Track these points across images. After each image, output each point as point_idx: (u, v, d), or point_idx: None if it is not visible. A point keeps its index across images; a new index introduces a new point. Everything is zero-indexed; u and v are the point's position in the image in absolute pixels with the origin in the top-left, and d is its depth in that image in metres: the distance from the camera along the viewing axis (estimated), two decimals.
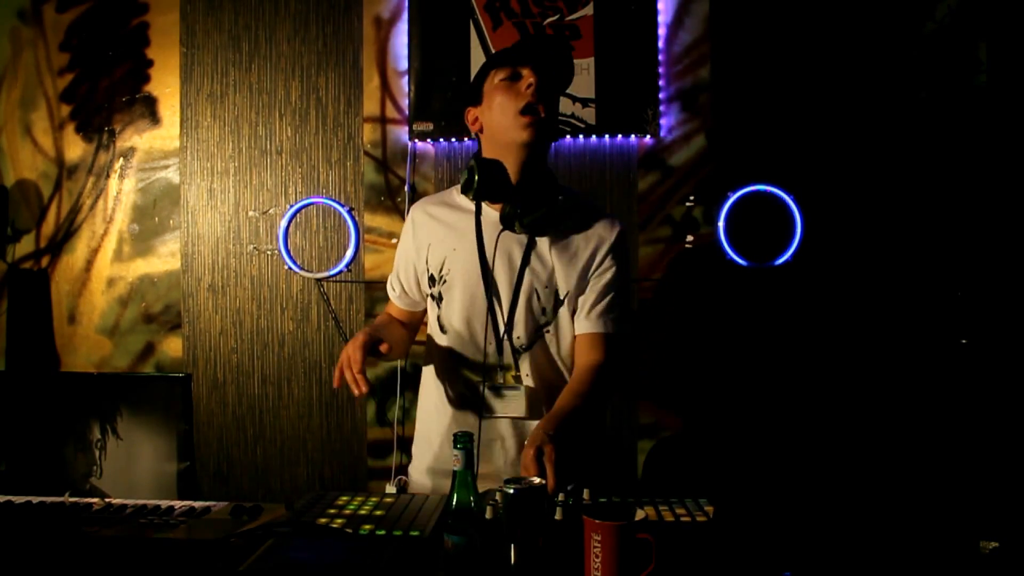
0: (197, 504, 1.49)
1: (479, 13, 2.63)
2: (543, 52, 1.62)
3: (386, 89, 2.72)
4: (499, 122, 1.59)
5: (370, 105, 2.72)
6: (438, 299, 1.67)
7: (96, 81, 2.79)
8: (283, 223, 2.65)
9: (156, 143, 2.79)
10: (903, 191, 2.59)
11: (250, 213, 2.76)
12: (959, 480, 2.42)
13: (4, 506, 1.47)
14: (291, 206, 2.67)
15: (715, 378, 2.63)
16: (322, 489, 2.73)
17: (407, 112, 2.68)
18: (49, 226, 2.81)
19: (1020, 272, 2.53)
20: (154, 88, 2.79)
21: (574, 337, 1.63)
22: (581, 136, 2.63)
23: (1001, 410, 2.47)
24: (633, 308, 1.69)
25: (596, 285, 1.61)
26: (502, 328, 1.60)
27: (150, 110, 2.79)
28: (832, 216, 2.57)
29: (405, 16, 2.68)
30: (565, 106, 2.59)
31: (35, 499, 1.51)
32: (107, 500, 1.50)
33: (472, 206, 1.64)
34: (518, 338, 1.60)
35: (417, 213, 1.73)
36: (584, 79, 2.60)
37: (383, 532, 1.24)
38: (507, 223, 1.57)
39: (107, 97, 2.79)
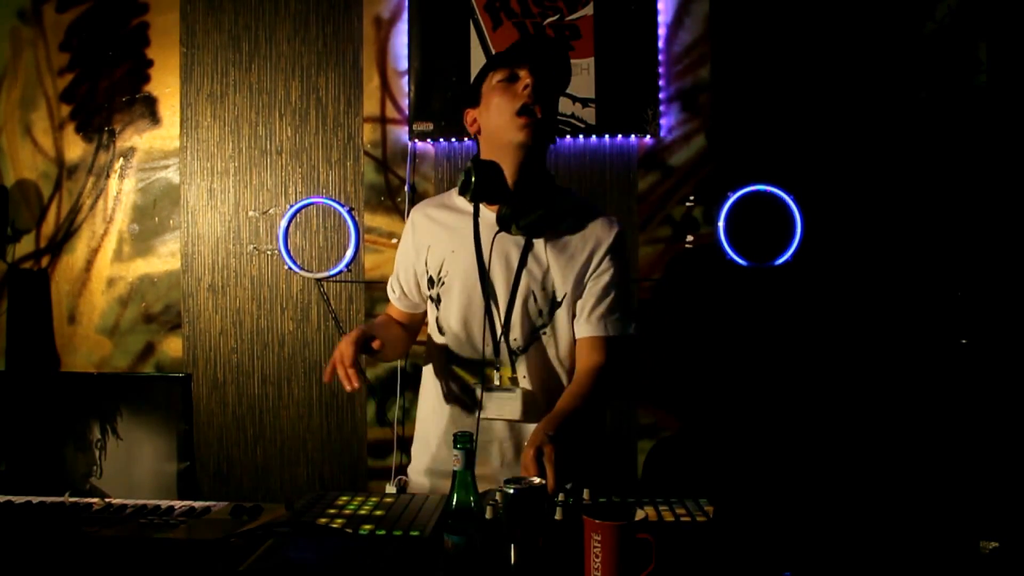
0: (197, 504, 1.49)
1: (479, 13, 2.63)
2: (540, 53, 1.62)
3: (386, 89, 2.72)
4: (496, 123, 1.59)
5: (370, 105, 2.72)
6: (437, 301, 1.67)
7: (96, 81, 2.79)
8: (283, 223, 2.65)
9: (156, 143, 2.79)
10: (903, 191, 2.59)
11: (250, 213, 2.76)
12: (959, 480, 2.42)
13: (4, 506, 1.47)
14: (291, 206, 2.67)
15: (715, 378, 2.62)
16: (322, 489, 2.73)
17: (407, 112, 2.68)
18: (49, 226, 2.81)
19: (1020, 272, 2.53)
20: (154, 88, 2.79)
21: (572, 339, 1.63)
22: (581, 136, 2.63)
23: (1001, 410, 2.47)
24: (634, 309, 1.69)
25: (594, 288, 1.61)
26: (499, 330, 1.60)
27: (150, 110, 2.79)
28: (832, 216, 2.57)
29: (405, 16, 2.68)
30: (565, 106, 2.59)
31: (35, 499, 1.51)
32: (107, 500, 1.50)
33: (471, 208, 1.64)
34: (515, 340, 1.60)
35: (417, 215, 1.74)
36: (584, 79, 2.60)
37: (383, 532, 1.24)
38: (503, 225, 1.57)
39: (107, 97, 2.79)
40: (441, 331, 1.68)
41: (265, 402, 2.76)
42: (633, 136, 2.64)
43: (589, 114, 2.61)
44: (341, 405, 2.75)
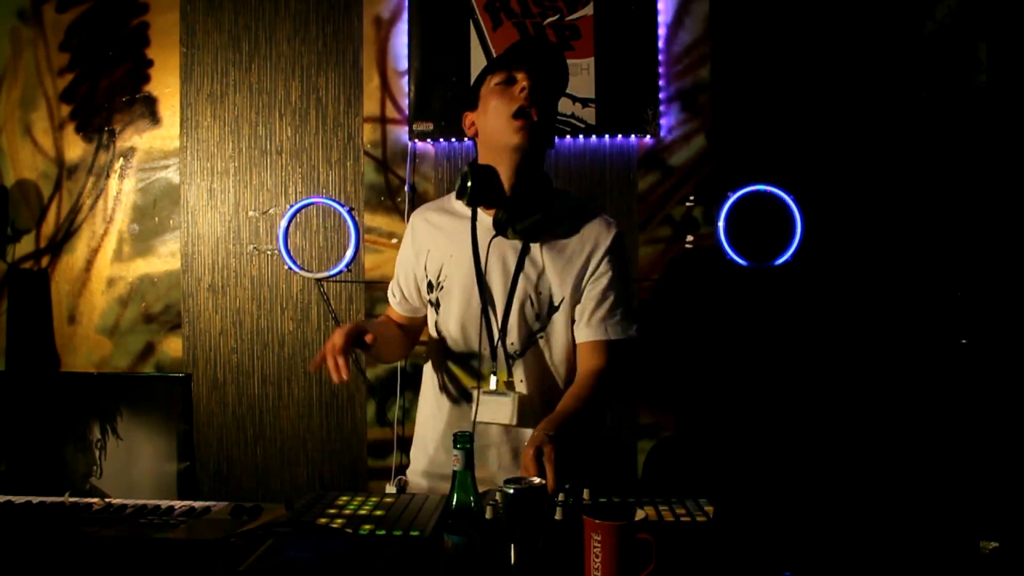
0: (197, 504, 1.49)
1: (479, 13, 2.63)
2: (538, 55, 1.62)
3: (386, 89, 2.72)
4: (493, 126, 1.59)
5: (370, 105, 2.72)
6: (436, 305, 1.68)
7: (96, 81, 2.79)
8: (283, 223, 2.65)
9: (156, 143, 2.79)
10: (903, 191, 2.59)
11: (250, 213, 2.76)
12: (959, 480, 2.42)
13: (4, 506, 1.47)
14: (291, 206, 2.67)
15: (715, 378, 2.62)
16: (322, 489, 2.73)
17: (407, 112, 2.68)
18: (49, 226, 2.81)
19: (1020, 272, 2.53)
20: (154, 88, 2.79)
21: (569, 344, 1.63)
22: (581, 136, 2.63)
23: (1001, 410, 2.46)
24: (635, 310, 1.68)
25: (593, 291, 1.60)
26: (496, 334, 1.60)
27: (150, 110, 2.79)
28: (832, 216, 2.57)
29: (405, 16, 2.68)
30: (565, 106, 2.59)
31: (35, 499, 1.51)
32: (107, 500, 1.50)
33: (470, 212, 1.64)
34: (511, 344, 1.60)
35: (416, 220, 1.74)
36: (584, 79, 2.60)
37: (383, 532, 1.24)
38: (500, 229, 1.57)
39: (107, 97, 2.79)
40: (440, 335, 1.68)
41: (265, 402, 2.76)
42: (633, 136, 2.64)
43: (589, 114, 2.61)
44: (341, 405, 2.75)
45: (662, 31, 2.64)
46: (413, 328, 1.80)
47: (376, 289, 2.71)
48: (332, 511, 1.35)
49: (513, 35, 2.62)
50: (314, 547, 1.19)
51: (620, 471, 2.62)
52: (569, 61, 2.54)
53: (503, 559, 1.13)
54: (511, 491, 1.15)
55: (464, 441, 1.14)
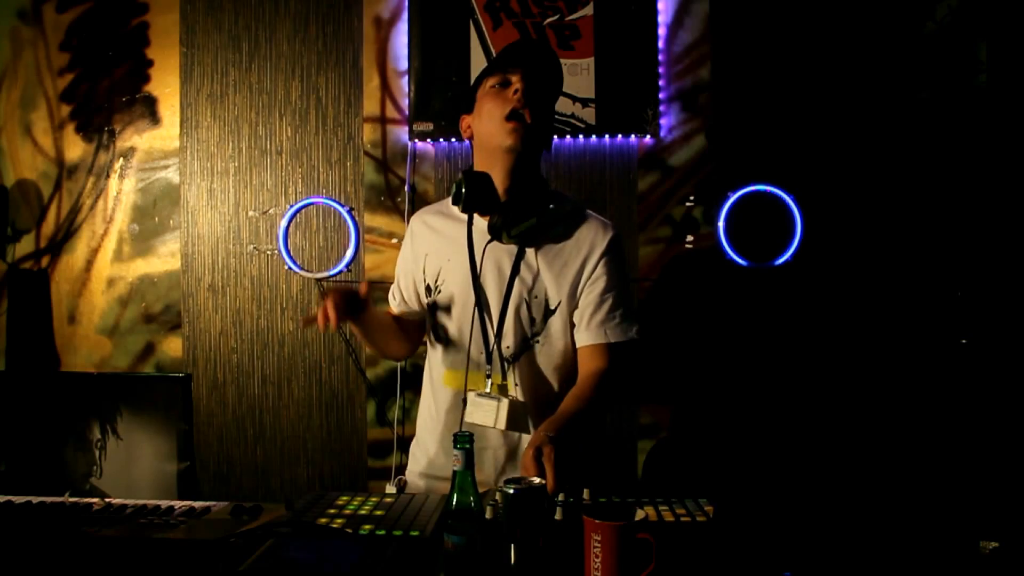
0: (197, 504, 1.49)
1: (479, 13, 2.63)
2: (533, 57, 1.62)
3: (386, 89, 2.72)
4: (487, 128, 1.59)
5: (370, 105, 2.72)
6: (433, 308, 1.68)
7: (96, 81, 2.79)
8: (283, 223, 2.65)
9: (156, 143, 2.79)
10: (903, 191, 2.59)
11: (250, 213, 2.76)
12: (959, 480, 2.42)
13: (4, 506, 1.47)
14: (291, 206, 2.67)
15: (715, 378, 2.62)
16: (322, 489, 2.73)
17: (407, 112, 2.68)
18: (49, 226, 2.81)
19: (1020, 272, 2.53)
20: (154, 88, 2.79)
21: (566, 348, 1.62)
22: (581, 136, 2.63)
23: (1001, 410, 2.47)
24: (635, 312, 1.68)
25: (591, 295, 1.60)
26: (492, 338, 1.60)
27: (150, 110, 2.79)
28: (832, 216, 2.57)
29: (405, 16, 2.68)
30: (565, 106, 2.59)
31: (35, 499, 1.51)
32: (107, 500, 1.50)
33: (466, 216, 1.64)
34: (507, 347, 1.60)
35: (416, 223, 1.75)
36: (584, 79, 2.60)
37: (383, 532, 1.24)
38: (494, 234, 1.57)
39: (107, 97, 2.79)
40: (437, 338, 1.69)
41: (265, 402, 2.76)
42: (633, 136, 2.64)
43: (589, 114, 2.61)
44: (341, 405, 2.75)
45: (662, 31, 2.64)
46: (410, 326, 1.80)
47: (376, 289, 2.69)
48: (332, 511, 1.35)
49: (513, 35, 2.62)
50: (314, 547, 1.19)
51: (620, 471, 2.62)
52: (569, 61, 2.60)
53: (503, 559, 1.13)
54: (511, 491, 1.15)
55: (464, 441, 1.14)
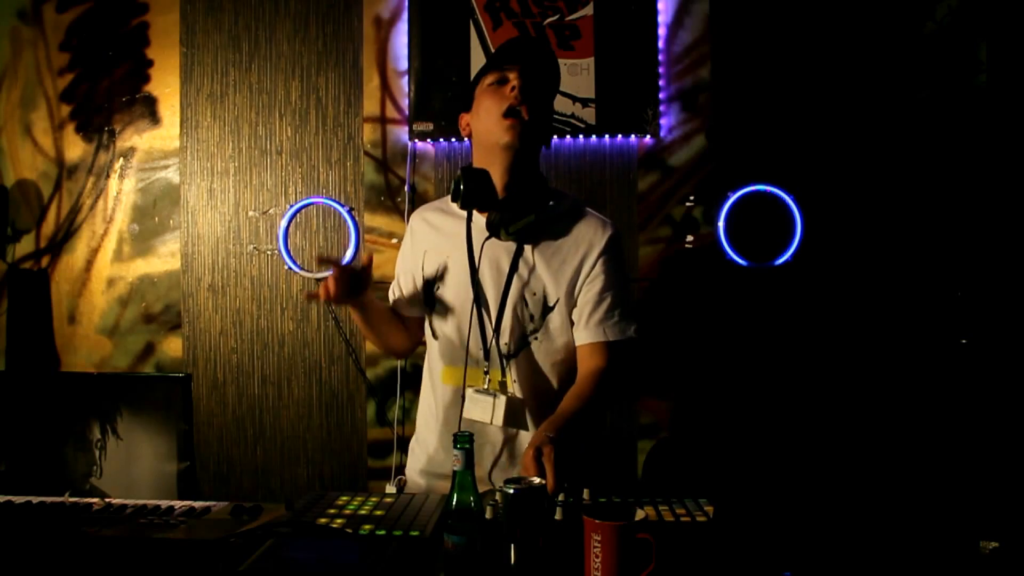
0: (197, 504, 1.49)
1: (479, 13, 2.63)
2: (529, 54, 1.62)
3: (386, 89, 2.72)
4: (484, 126, 1.60)
5: (370, 105, 2.72)
6: (432, 304, 1.68)
7: (96, 81, 2.79)
8: (283, 223, 2.65)
9: (156, 143, 2.79)
10: (903, 191, 2.59)
11: (250, 213, 2.76)
12: (959, 480, 2.42)
13: (4, 506, 1.47)
14: (291, 206, 2.67)
15: (715, 378, 2.62)
16: (322, 489, 2.73)
17: (407, 112, 2.68)
18: (49, 226, 2.81)
19: (1020, 272, 2.53)
20: (154, 88, 2.78)
21: (565, 344, 1.63)
22: (581, 136, 2.63)
23: (1001, 410, 2.47)
24: (634, 310, 1.69)
25: (589, 293, 1.60)
26: (490, 335, 1.60)
27: (150, 110, 2.79)
28: (832, 216, 2.57)
29: (405, 16, 2.68)
30: (565, 106, 2.59)
31: (35, 499, 1.51)
32: (107, 500, 1.50)
33: (465, 213, 1.65)
34: (505, 344, 1.61)
35: (416, 220, 1.76)
36: (584, 79, 2.60)
37: (383, 532, 1.25)
38: (492, 231, 1.57)
39: (107, 97, 2.79)
40: (435, 335, 1.69)
41: (265, 402, 2.76)
42: (633, 136, 2.64)
43: (589, 114, 2.61)
44: (341, 405, 2.75)
45: (662, 31, 2.64)
46: (410, 321, 1.80)
47: (376, 289, 2.68)
48: (332, 511, 1.35)
49: (513, 35, 2.61)
50: (314, 547, 1.19)
51: (620, 471, 2.62)
52: (569, 61, 2.60)
53: (503, 559, 1.14)
54: (511, 491, 1.15)
55: (464, 441, 1.14)
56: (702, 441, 2.64)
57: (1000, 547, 1.21)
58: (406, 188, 2.70)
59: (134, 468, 1.61)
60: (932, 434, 2.50)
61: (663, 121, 2.63)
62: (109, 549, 1.27)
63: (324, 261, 1.62)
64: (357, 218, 2.69)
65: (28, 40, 2.81)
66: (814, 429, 2.55)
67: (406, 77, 2.69)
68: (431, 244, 1.69)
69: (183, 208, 2.78)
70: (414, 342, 1.83)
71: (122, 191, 2.80)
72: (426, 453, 1.71)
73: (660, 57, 2.63)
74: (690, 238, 2.65)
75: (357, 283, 1.61)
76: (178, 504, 1.50)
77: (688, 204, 2.65)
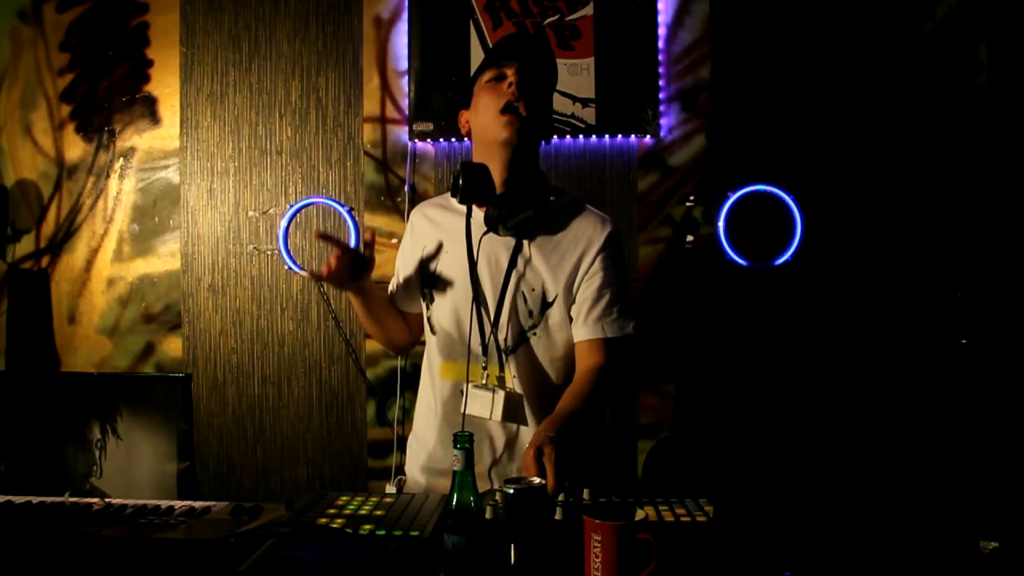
0: (197, 504, 1.49)
1: (479, 13, 2.63)
2: (526, 50, 1.62)
3: (386, 89, 2.72)
4: (483, 122, 1.60)
5: (370, 105, 2.72)
6: (431, 299, 1.68)
7: (96, 81, 2.79)
8: (283, 223, 2.65)
9: (156, 143, 2.79)
10: (903, 191, 2.59)
11: (250, 213, 2.76)
12: (959, 480, 2.42)
13: (4, 506, 1.47)
14: (291, 206, 2.67)
15: (715, 378, 2.62)
16: (322, 489, 2.73)
17: (407, 112, 2.68)
18: (49, 226, 2.81)
19: (1020, 272, 2.53)
20: (154, 88, 2.79)
21: (564, 340, 1.63)
22: (581, 136, 2.63)
23: (1001, 410, 2.47)
24: (633, 308, 1.69)
25: (588, 290, 1.60)
26: (488, 330, 1.60)
27: (150, 110, 2.79)
28: (832, 216, 2.57)
29: (405, 16, 2.68)
30: (565, 106, 2.59)
31: (35, 499, 1.51)
32: (107, 500, 1.50)
33: (465, 208, 1.65)
34: (504, 339, 1.61)
35: (415, 216, 1.77)
36: (584, 79, 2.60)
37: (383, 532, 1.24)
38: (491, 226, 1.57)
39: (107, 97, 2.79)
40: (434, 331, 1.69)
41: (265, 402, 2.76)
42: (633, 136, 2.64)
43: (589, 114, 2.61)
44: (341, 405, 2.75)
45: (662, 31, 2.64)
46: (410, 316, 1.80)
47: (377, 289, 2.70)
48: (332, 511, 1.35)
49: None
50: (314, 547, 1.19)
51: (620, 471, 2.62)
52: (569, 61, 2.60)
53: (503, 559, 1.13)
54: (511, 491, 1.15)
55: (464, 441, 1.14)
56: (702, 441, 2.64)
57: (1000, 547, 1.21)
58: (406, 188, 2.70)
59: (134, 468, 1.61)
60: (932, 434, 2.50)
61: (663, 121, 2.63)
62: (109, 549, 1.27)
63: (325, 238, 1.61)
64: (357, 218, 2.69)
65: (28, 40, 2.81)
66: (814, 429, 2.55)
67: (406, 77, 2.69)
68: (430, 239, 1.69)
69: (183, 208, 2.78)
70: (415, 337, 1.83)
71: (122, 191, 2.80)
72: (425, 450, 1.71)
73: (660, 57, 2.63)
74: (690, 238, 2.65)
75: (359, 265, 1.61)
76: (178, 504, 1.50)
77: (688, 204, 2.65)
